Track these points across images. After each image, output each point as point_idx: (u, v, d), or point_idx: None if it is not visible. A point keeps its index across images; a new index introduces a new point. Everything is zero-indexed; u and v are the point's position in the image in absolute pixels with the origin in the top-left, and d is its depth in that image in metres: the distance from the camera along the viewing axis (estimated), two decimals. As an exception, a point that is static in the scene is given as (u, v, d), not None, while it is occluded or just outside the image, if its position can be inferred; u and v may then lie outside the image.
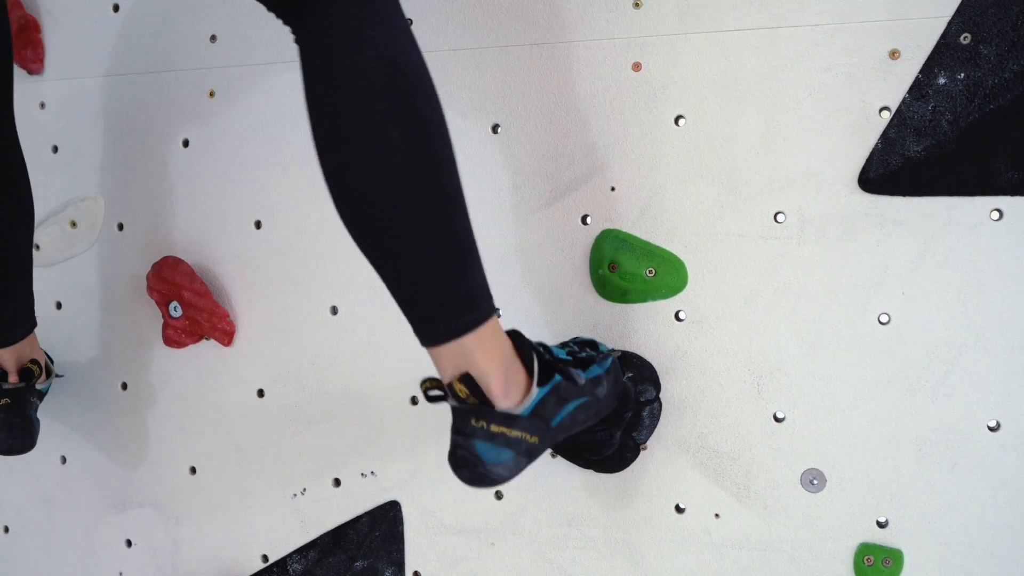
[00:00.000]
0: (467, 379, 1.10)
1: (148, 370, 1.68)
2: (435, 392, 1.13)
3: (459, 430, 1.11)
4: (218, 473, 1.65)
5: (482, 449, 1.10)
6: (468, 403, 1.10)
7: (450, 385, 1.11)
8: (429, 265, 1.06)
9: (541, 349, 1.19)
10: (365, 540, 1.55)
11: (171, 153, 1.64)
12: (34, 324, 1.52)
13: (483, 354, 1.09)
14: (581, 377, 1.21)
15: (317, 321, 1.56)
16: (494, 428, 1.10)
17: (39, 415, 1.66)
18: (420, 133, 1.02)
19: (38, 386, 1.55)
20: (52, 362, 1.67)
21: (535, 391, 1.14)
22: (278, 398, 1.60)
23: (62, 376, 1.74)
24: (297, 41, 1.06)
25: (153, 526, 1.70)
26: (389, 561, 1.53)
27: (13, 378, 1.49)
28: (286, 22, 1.07)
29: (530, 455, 1.13)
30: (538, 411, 1.14)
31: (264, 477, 1.61)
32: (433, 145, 1.03)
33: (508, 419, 1.11)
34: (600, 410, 1.26)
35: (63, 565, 1.79)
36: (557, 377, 1.18)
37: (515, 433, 1.11)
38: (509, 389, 1.11)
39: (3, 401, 1.47)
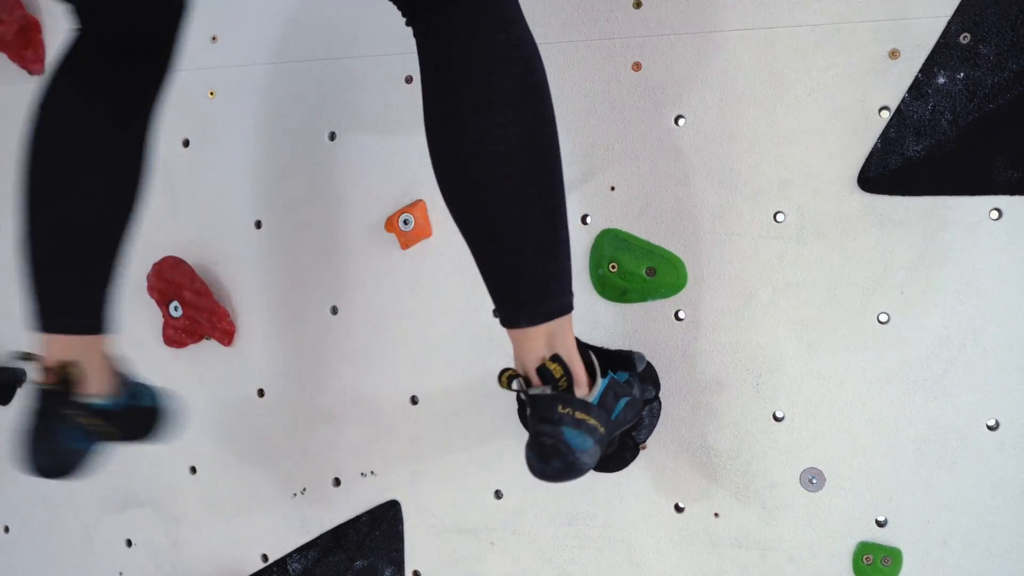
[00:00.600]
0: (559, 360, 1.10)
1: (149, 370, 1.68)
2: (518, 381, 1.12)
3: (546, 418, 1.09)
4: (218, 473, 1.65)
5: (570, 436, 1.08)
6: (559, 387, 1.09)
7: (541, 368, 1.09)
8: (548, 238, 1.07)
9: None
10: (365, 539, 1.55)
11: (172, 153, 1.64)
12: (98, 327, 1.20)
13: (571, 338, 1.11)
14: (644, 359, 1.24)
15: (317, 321, 1.56)
16: (578, 415, 1.09)
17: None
18: (545, 105, 1.07)
19: (93, 401, 1.19)
20: (135, 387, 1.33)
21: (600, 382, 1.15)
22: (278, 398, 1.60)
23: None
24: (425, 23, 1.06)
25: (153, 526, 1.70)
26: (389, 560, 1.53)
27: (46, 376, 1.17)
28: (411, 14, 1.07)
29: (600, 445, 1.12)
30: (603, 402, 1.15)
31: (264, 477, 1.62)
32: (551, 118, 1.08)
33: (586, 406, 1.10)
34: (638, 411, 1.28)
35: (63, 565, 1.79)
36: (611, 373, 1.19)
37: (592, 421, 1.10)
38: (583, 377, 1.12)
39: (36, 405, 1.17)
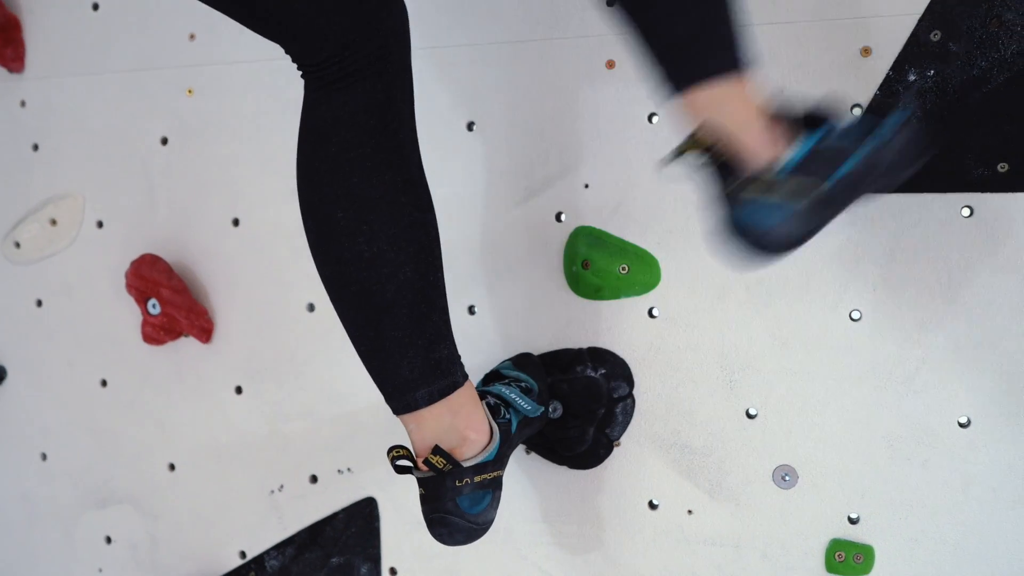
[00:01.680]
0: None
1: (127, 367, 1.69)
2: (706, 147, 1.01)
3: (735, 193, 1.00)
4: (197, 470, 1.65)
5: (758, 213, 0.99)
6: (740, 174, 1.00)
7: (697, 134, 1.01)
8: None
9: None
10: (341, 536, 1.55)
11: (150, 151, 1.65)
12: (448, 386, 1.15)
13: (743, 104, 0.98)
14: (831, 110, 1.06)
15: (294, 318, 1.57)
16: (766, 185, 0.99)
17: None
18: None
19: (474, 462, 1.15)
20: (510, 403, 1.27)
21: (799, 144, 1.01)
22: (256, 395, 1.60)
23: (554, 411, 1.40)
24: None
25: (132, 522, 1.71)
26: (365, 557, 1.54)
27: (420, 463, 1.15)
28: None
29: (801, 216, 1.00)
30: (808, 161, 1.00)
31: (242, 474, 1.62)
32: None
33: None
34: (895, 169, 1.08)
35: (43, 562, 1.79)
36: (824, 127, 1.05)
37: (788, 189, 0.99)
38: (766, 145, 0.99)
39: (420, 491, 1.17)
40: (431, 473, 1.13)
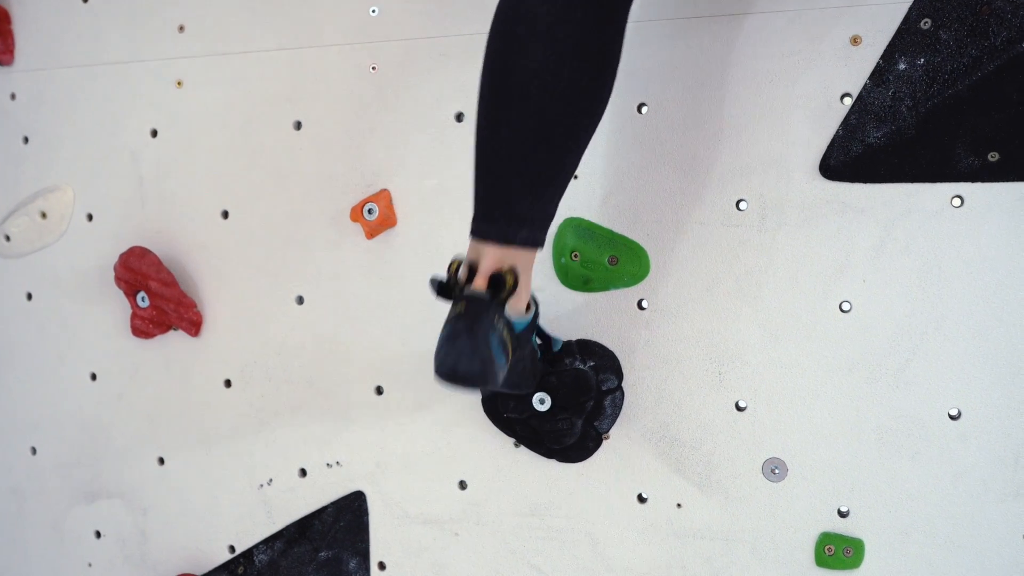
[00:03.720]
0: None
1: (117, 360, 1.68)
2: None
3: None
4: (186, 463, 1.65)
5: None
6: None
7: None
8: None
9: None
10: (330, 530, 1.54)
11: (140, 143, 1.64)
12: (542, 242, 1.16)
13: None
14: None
15: (283, 311, 1.56)
16: None
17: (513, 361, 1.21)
18: None
19: (514, 317, 1.15)
20: (537, 304, 1.28)
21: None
22: (245, 388, 1.59)
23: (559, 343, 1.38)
24: None
25: (122, 517, 1.70)
26: (354, 551, 1.53)
27: (480, 281, 1.11)
28: None
29: None
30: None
31: (231, 467, 1.61)
32: None
33: None
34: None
35: (33, 556, 1.78)
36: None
37: None
38: None
39: (458, 308, 1.11)
40: (483, 294, 1.09)
